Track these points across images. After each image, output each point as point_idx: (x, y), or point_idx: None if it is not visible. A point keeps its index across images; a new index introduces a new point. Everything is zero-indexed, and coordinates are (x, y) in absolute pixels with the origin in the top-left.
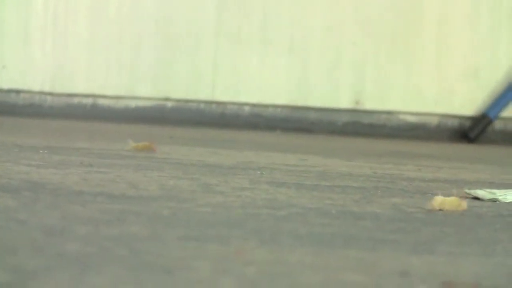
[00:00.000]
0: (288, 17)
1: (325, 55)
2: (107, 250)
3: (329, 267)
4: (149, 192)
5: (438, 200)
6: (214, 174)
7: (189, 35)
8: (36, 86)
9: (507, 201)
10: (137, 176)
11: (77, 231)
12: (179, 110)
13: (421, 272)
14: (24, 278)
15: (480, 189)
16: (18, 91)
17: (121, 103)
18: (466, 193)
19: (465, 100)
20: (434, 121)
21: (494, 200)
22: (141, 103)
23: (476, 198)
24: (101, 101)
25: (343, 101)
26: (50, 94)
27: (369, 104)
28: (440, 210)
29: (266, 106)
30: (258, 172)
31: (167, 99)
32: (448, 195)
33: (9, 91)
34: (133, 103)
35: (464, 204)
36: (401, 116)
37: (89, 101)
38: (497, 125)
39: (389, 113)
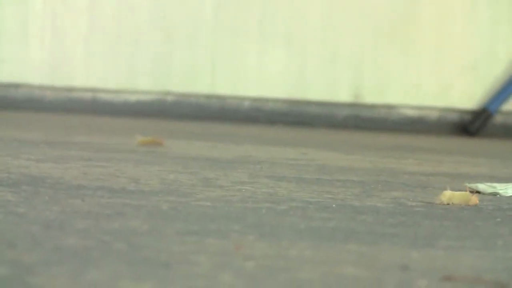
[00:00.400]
0: (287, 10)
1: (324, 49)
2: (106, 244)
3: (329, 261)
4: (149, 186)
5: (447, 195)
6: (214, 168)
7: (188, 29)
8: (35, 80)
9: (508, 195)
10: (137, 170)
11: (77, 225)
12: (179, 104)
13: (422, 266)
14: (23, 272)
15: (481, 183)
16: (17, 85)
17: (121, 97)
18: (467, 187)
19: (465, 94)
20: (434, 115)
21: (494, 194)
22: (141, 97)
23: (477, 192)
24: (100, 95)
25: (343, 95)
26: (50, 88)
27: (369, 98)
28: (448, 204)
29: (266, 100)
30: (258, 166)
31: (166, 93)
32: (453, 189)
33: (9, 85)
34: (133, 97)
35: (475, 198)
36: (401, 110)
37: (88, 95)
38: (497, 119)
39: (389, 107)
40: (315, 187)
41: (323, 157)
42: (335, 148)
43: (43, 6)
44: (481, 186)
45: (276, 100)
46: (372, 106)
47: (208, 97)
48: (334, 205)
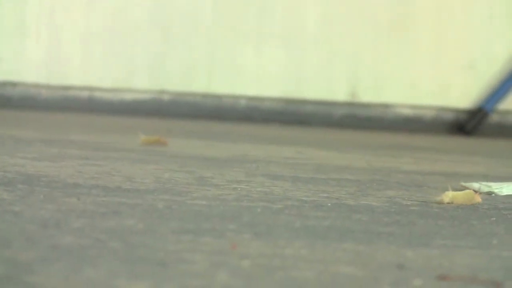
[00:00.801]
0: (284, 9)
1: (321, 48)
2: (102, 242)
3: (324, 260)
4: (144, 185)
5: (449, 195)
6: (209, 166)
7: (185, 28)
8: (31, 79)
9: (503, 194)
10: (133, 169)
11: (72, 224)
12: (176, 103)
13: (417, 265)
14: (19, 270)
15: (476, 182)
16: (13, 84)
17: (117, 96)
18: (462, 186)
19: (462, 93)
20: (430, 114)
21: (490, 193)
22: (137, 96)
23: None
24: (97, 94)
25: (339, 94)
26: (46, 86)
27: (365, 97)
28: (448, 203)
29: (262, 99)
30: (254, 165)
31: (163, 91)
32: (448, 188)
33: (5, 83)
34: (129, 96)
35: (478, 197)
36: (398, 109)
37: (85, 93)
38: (494, 118)
39: (385, 106)
40: (310, 186)
41: (319, 156)
42: (331, 147)
43: (40, 4)
44: (477, 185)
45: (272, 99)
46: (369, 105)
47: (205, 96)
48: (329, 204)
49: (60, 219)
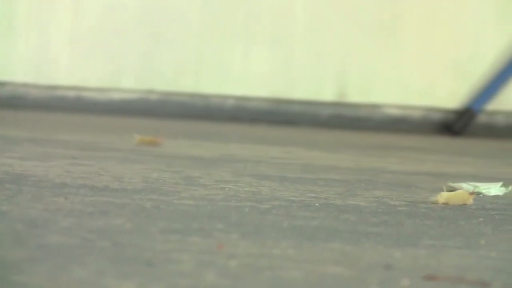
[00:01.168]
0: (272, 8)
1: (309, 48)
2: (90, 242)
3: (312, 260)
4: (132, 184)
5: (444, 196)
6: (197, 166)
7: (173, 27)
8: (19, 78)
9: (491, 194)
10: (121, 168)
11: (60, 223)
12: (163, 103)
13: (404, 265)
14: (7, 270)
15: (464, 182)
16: (1, 83)
17: (105, 96)
18: (450, 186)
19: (449, 93)
20: (418, 114)
21: (477, 194)
22: (125, 96)
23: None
24: (85, 94)
25: (327, 94)
26: (34, 86)
27: (353, 97)
28: (444, 204)
29: (250, 98)
30: (242, 165)
31: (151, 91)
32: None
33: None
34: (117, 96)
35: (471, 198)
36: (385, 109)
37: (73, 93)
38: (481, 118)
39: (373, 106)
40: (298, 186)
41: (307, 156)
42: (319, 147)
43: (28, 4)
44: (464, 186)
45: (260, 99)
46: (357, 105)
47: (193, 95)
48: (317, 204)
49: (48, 218)
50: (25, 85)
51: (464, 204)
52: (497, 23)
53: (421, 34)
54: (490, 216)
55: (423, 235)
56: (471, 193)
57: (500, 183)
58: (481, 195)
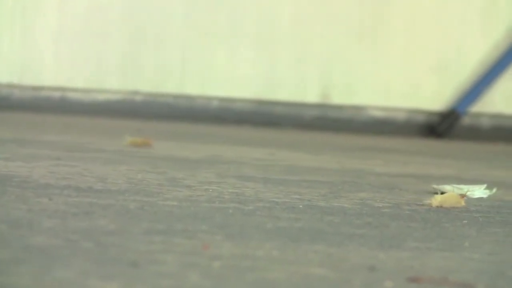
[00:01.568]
0: (256, 10)
1: (293, 49)
2: (73, 243)
3: (296, 262)
4: (117, 185)
5: (438, 199)
6: (181, 168)
7: (157, 28)
8: (4, 79)
9: (475, 196)
10: (105, 169)
11: (44, 224)
12: (148, 104)
13: (388, 267)
14: None
15: (448, 184)
16: None
17: (90, 96)
18: (434, 188)
19: (433, 95)
20: (402, 116)
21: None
22: (109, 97)
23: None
24: (69, 94)
25: (311, 95)
26: (18, 87)
27: (337, 98)
28: (438, 207)
29: (234, 100)
30: (226, 166)
31: (135, 92)
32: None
33: None
34: (101, 96)
35: (462, 201)
36: (369, 111)
37: (57, 94)
38: (465, 120)
39: (357, 107)
40: (282, 187)
41: (291, 157)
42: (302, 149)
43: (12, 5)
44: (448, 188)
45: (244, 100)
46: (340, 107)
47: (177, 96)
48: (301, 206)
49: (32, 219)
50: (9, 85)
51: (456, 207)
52: (481, 24)
53: (404, 36)
54: (474, 219)
55: (407, 237)
56: (463, 196)
57: (484, 186)
58: (465, 197)
